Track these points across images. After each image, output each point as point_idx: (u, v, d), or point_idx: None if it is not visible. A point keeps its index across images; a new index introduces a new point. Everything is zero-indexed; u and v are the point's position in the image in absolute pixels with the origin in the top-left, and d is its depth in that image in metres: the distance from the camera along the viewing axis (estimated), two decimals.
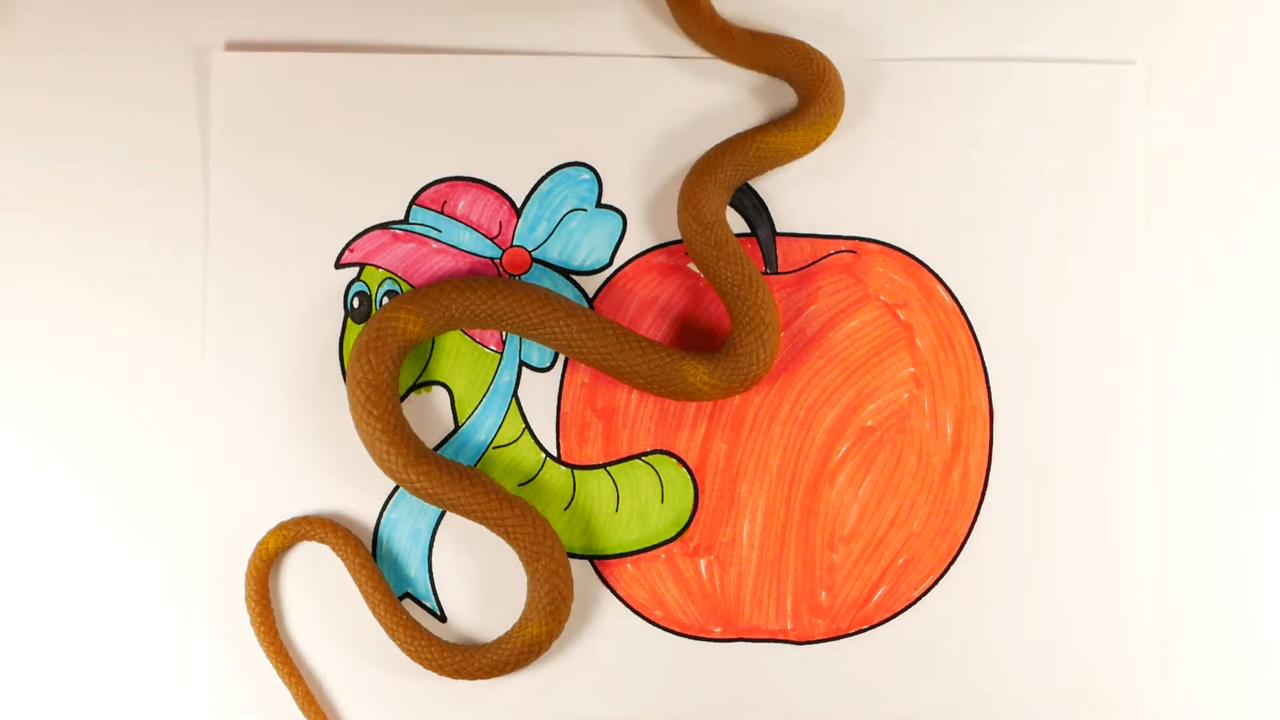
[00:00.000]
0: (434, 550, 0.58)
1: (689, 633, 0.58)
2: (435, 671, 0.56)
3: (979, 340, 0.58)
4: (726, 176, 0.57)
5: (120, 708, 0.58)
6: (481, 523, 0.56)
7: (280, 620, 0.58)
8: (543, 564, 0.55)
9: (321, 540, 0.57)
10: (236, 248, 0.58)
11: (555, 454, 0.58)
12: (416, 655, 0.56)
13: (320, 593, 0.58)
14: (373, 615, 0.57)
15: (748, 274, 0.56)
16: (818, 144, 0.57)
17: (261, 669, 0.57)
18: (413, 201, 0.58)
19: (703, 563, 0.58)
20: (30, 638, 0.58)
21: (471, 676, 0.56)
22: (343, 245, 0.58)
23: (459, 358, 0.58)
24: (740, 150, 0.57)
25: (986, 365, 0.58)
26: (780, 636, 0.57)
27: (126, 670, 0.58)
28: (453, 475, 0.55)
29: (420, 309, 0.56)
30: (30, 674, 0.58)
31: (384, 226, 0.58)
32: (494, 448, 0.58)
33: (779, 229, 0.58)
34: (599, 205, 0.58)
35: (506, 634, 0.56)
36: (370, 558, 0.57)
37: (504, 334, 0.58)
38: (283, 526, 0.57)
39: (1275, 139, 0.59)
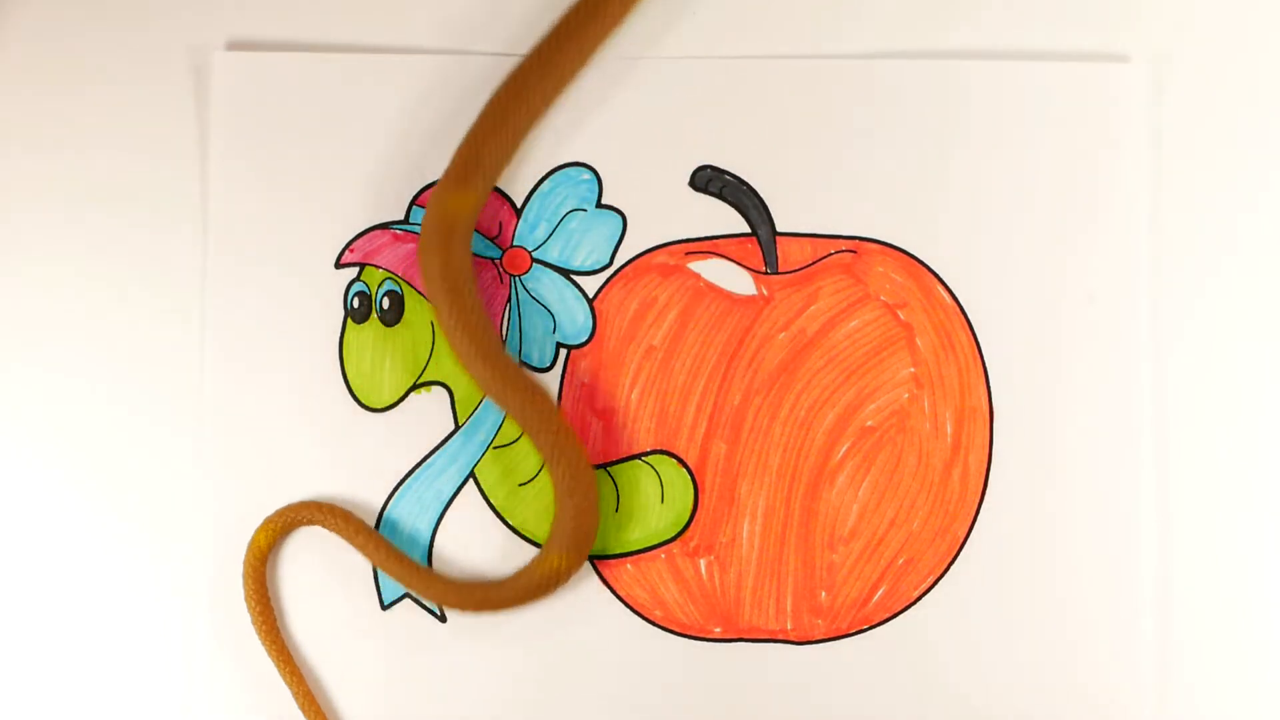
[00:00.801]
0: (434, 551, 0.58)
1: (689, 633, 0.58)
2: (461, 609, 0.56)
3: (979, 340, 0.58)
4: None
5: (120, 707, 0.58)
6: (533, 438, 0.56)
7: (281, 619, 0.58)
8: (575, 500, 0.55)
9: (310, 522, 0.57)
10: (236, 248, 0.58)
11: None
12: (439, 598, 0.56)
13: (321, 592, 0.58)
14: (383, 571, 0.57)
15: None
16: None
17: (262, 669, 0.57)
18: (413, 201, 0.58)
19: (703, 563, 0.58)
20: (29, 637, 0.58)
21: (495, 608, 0.56)
22: (343, 245, 0.58)
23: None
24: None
25: (986, 365, 0.58)
26: (780, 636, 0.58)
27: (127, 670, 0.58)
28: (523, 384, 0.55)
29: (458, 183, 0.56)
30: (30, 674, 0.58)
31: (384, 226, 0.58)
32: (494, 448, 0.58)
33: (779, 229, 0.58)
34: (599, 205, 0.58)
35: (526, 567, 0.56)
36: (361, 522, 0.57)
37: (504, 331, 0.58)
38: (269, 520, 0.57)
39: (1277, 137, 0.59)
